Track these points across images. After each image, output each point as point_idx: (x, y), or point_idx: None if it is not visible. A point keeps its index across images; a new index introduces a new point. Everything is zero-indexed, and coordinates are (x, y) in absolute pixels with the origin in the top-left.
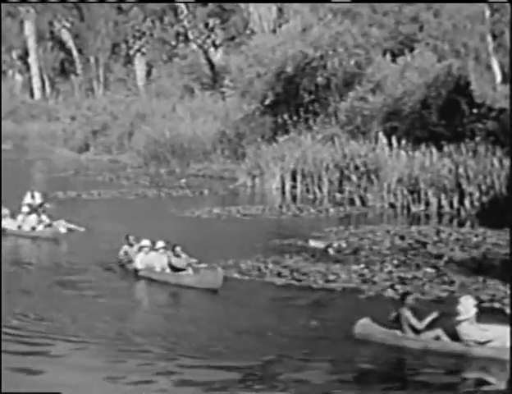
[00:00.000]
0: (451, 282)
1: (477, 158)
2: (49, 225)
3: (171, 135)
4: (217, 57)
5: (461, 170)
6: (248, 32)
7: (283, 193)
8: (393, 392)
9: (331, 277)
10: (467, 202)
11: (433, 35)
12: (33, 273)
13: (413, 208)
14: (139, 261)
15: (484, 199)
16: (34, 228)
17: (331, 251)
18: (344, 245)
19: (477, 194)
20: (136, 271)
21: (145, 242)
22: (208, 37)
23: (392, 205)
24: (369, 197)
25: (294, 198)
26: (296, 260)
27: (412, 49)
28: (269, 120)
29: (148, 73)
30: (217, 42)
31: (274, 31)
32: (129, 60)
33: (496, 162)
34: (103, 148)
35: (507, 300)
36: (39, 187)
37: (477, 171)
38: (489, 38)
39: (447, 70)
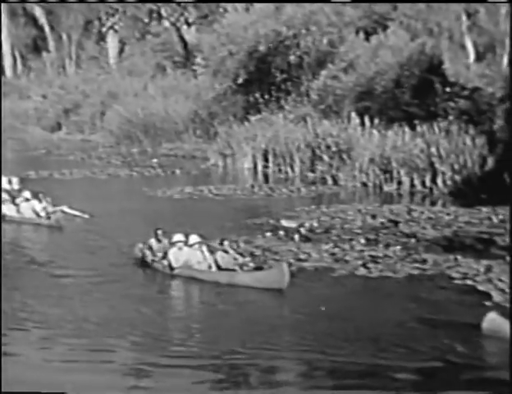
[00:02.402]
0: (423, 261)
1: (450, 137)
2: (52, 211)
3: (144, 115)
4: (190, 35)
5: (433, 149)
6: (221, 10)
7: (255, 173)
8: None
9: (303, 256)
10: (439, 181)
11: (407, 14)
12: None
13: (386, 188)
14: (174, 258)
15: (457, 177)
16: (37, 215)
17: (302, 230)
18: (315, 224)
19: (449, 173)
20: (171, 269)
21: (178, 237)
22: (181, 15)
23: (364, 184)
24: (341, 176)
25: (266, 177)
26: (268, 240)
27: (385, 28)
28: (241, 99)
29: (121, 51)
30: (190, 20)
31: (247, 10)
32: (101, 37)
33: (468, 141)
34: (75, 128)
35: (479, 278)
36: (11, 167)
37: (450, 151)
38: (463, 18)
39: (420, 49)
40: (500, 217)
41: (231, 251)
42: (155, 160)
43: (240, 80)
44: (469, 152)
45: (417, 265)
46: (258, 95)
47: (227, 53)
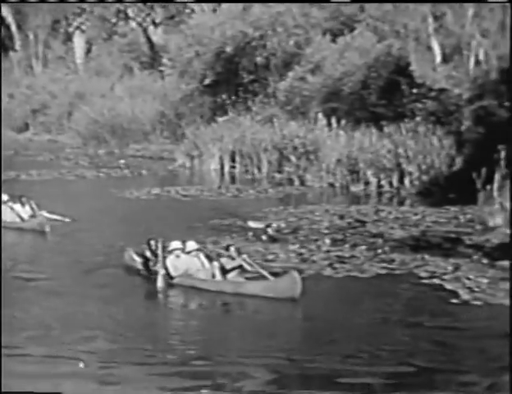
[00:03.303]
0: (391, 260)
1: (417, 137)
2: (33, 215)
3: (111, 115)
4: (157, 35)
5: (401, 150)
6: (187, 11)
7: (222, 174)
8: None
9: (270, 257)
10: (407, 181)
11: (374, 16)
12: None
13: (353, 188)
14: (172, 266)
15: (424, 178)
16: (21, 218)
17: (270, 231)
18: (283, 224)
19: (417, 174)
20: (170, 278)
21: (176, 244)
22: (148, 15)
23: (331, 185)
24: (308, 177)
25: (233, 178)
26: (235, 240)
27: (352, 30)
28: (208, 100)
29: (88, 51)
30: (157, 20)
31: (214, 10)
32: (68, 37)
33: (436, 141)
34: (43, 128)
35: (447, 277)
36: None
37: (417, 151)
38: (430, 20)
39: (387, 50)
40: (468, 216)
41: (238, 258)
42: (122, 161)
43: (207, 81)
44: (437, 152)
45: (384, 265)
46: (225, 96)
47: (194, 54)
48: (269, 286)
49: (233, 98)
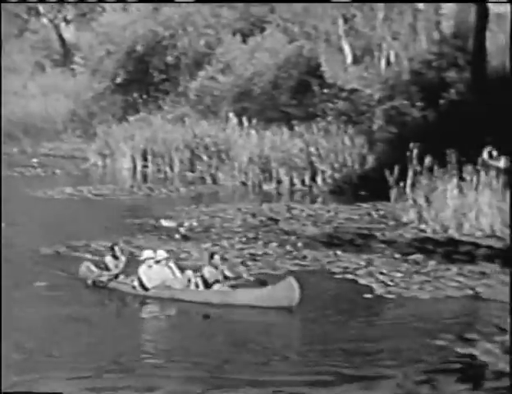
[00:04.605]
0: (303, 257)
1: (329, 136)
2: None
3: (23, 114)
4: (69, 33)
5: (312, 148)
6: (99, 9)
7: (134, 173)
8: None
9: (183, 256)
10: (319, 179)
11: (284, 17)
12: None
13: (265, 186)
14: (146, 277)
15: (336, 176)
16: None
17: (182, 230)
18: (195, 223)
19: (329, 172)
20: (145, 289)
21: (148, 253)
22: (59, 12)
23: (244, 183)
24: (220, 176)
25: (145, 177)
26: (148, 239)
27: (262, 30)
28: (120, 99)
29: None
30: (69, 17)
31: (125, 9)
32: None
33: (347, 140)
34: None
35: (360, 272)
36: None
37: (329, 150)
38: (340, 22)
39: (298, 51)
40: (381, 212)
41: (222, 267)
42: (35, 160)
43: (119, 80)
44: (349, 151)
45: (297, 261)
46: (136, 95)
47: (105, 53)
48: (263, 295)
49: (144, 97)
